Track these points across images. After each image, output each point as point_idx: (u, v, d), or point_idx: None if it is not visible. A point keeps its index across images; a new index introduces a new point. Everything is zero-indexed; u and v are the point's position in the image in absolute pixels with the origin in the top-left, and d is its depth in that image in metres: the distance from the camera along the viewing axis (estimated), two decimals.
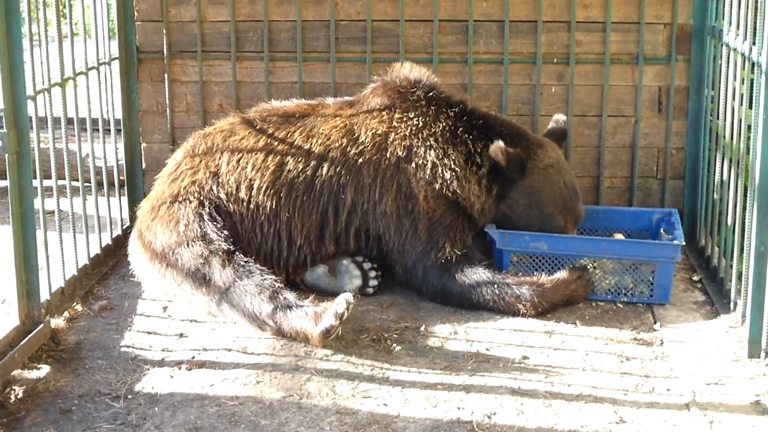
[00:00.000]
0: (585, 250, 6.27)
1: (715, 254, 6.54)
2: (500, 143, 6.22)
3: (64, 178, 6.39)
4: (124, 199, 7.47)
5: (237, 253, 6.02)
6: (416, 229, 6.24)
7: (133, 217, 7.04)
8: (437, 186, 6.24)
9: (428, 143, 6.28)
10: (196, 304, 6.01)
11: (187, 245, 6.04)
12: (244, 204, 6.29)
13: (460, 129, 6.36)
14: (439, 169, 6.25)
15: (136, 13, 7.43)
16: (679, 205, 7.31)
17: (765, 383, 5.13)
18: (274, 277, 5.89)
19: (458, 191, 6.25)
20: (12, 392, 5.05)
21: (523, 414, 4.89)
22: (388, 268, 6.40)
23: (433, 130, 6.32)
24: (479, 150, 6.33)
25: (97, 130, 6.84)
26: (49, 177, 6.23)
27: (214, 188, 6.30)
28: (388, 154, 6.30)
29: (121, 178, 7.52)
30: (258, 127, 6.50)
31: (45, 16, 5.89)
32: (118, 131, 7.31)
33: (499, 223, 6.43)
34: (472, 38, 7.29)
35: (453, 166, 6.26)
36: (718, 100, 6.44)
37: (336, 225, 6.32)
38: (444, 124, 6.35)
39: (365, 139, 6.34)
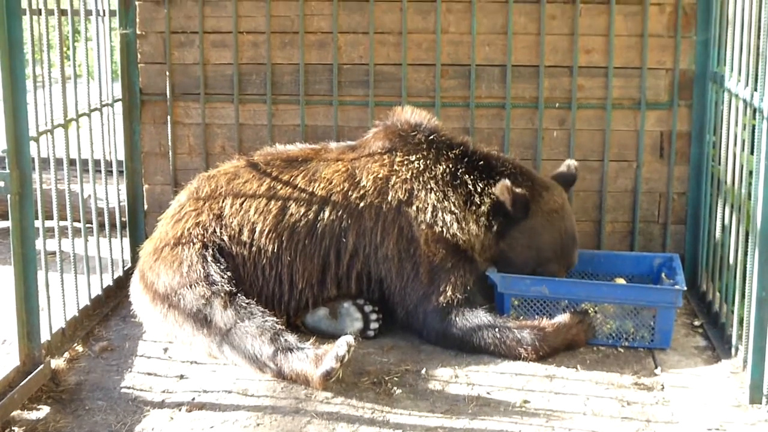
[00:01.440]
0: (586, 295, 6.26)
1: (716, 299, 6.53)
2: (507, 182, 6.21)
3: (66, 219, 6.39)
4: (126, 241, 7.47)
5: (239, 294, 6.02)
6: (417, 272, 6.24)
7: (134, 258, 7.05)
8: (437, 229, 6.24)
9: (429, 186, 6.29)
10: (197, 345, 6.00)
11: (190, 286, 6.04)
12: (247, 247, 6.30)
13: (461, 170, 6.37)
14: (440, 212, 6.25)
15: (139, 56, 7.47)
16: (681, 250, 7.31)
17: (766, 429, 5.12)
18: (275, 319, 5.89)
19: (458, 234, 6.25)
20: None
21: None
22: (389, 311, 6.39)
23: (433, 172, 6.33)
24: (479, 189, 6.32)
25: (100, 171, 6.85)
26: (51, 218, 6.24)
27: (218, 230, 6.31)
28: (389, 198, 6.31)
29: (123, 219, 7.53)
30: (261, 171, 6.51)
31: (49, 57, 5.92)
32: (121, 173, 7.33)
33: (497, 261, 6.43)
34: (475, 82, 7.32)
35: (453, 209, 6.26)
36: (720, 146, 6.45)
37: (338, 268, 6.32)
38: (444, 166, 6.36)
39: (366, 182, 6.35)
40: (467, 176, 6.36)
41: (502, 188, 6.22)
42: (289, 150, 6.72)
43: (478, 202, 6.31)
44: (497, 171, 6.40)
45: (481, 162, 6.43)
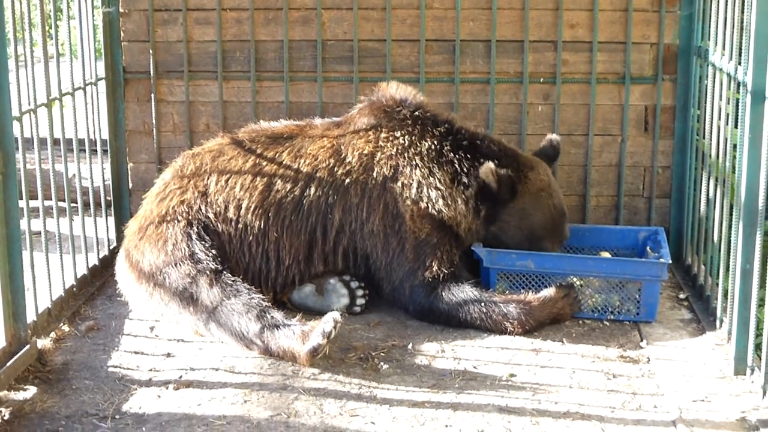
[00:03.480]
0: (571, 269, 6.28)
1: (701, 272, 6.56)
2: (491, 164, 6.22)
3: (51, 199, 6.37)
4: (111, 220, 7.45)
5: (224, 272, 6.01)
6: (403, 248, 6.24)
7: (119, 238, 7.03)
8: (423, 205, 6.24)
9: (414, 162, 6.28)
10: (183, 323, 6.00)
11: (175, 265, 6.03)
12: (233, 224, 6.29)
13: (447, 148, 6.36)
14: (425, 188, 6.25)
15: (122, 34, 7.43)
16: (666, 224, 7.33)
17: (751, 400, 5.14)
18: (261, 296, 5.89)
19: (443, 210, 6.25)
20: None
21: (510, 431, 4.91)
22: (375, 287, 6.40)
23: (418, 149, 6.33)
24: (466, 170, 6.33)
25: (84, 150, 6.83)
26: (35, 198, 6.23)
27: (203, 208, 6.30)
28: (374, 174, 6.31)
29: (108, 198, 7.50)
30: (246, 148, 6.49)
31: (31, 36, 5.89)
32: (105, 151, 7.30)
33: (489, 243, 6.44)
34: (459, 58, 7.31)
35: (438, 185, 6.26)
36: (704, 120, 6.47)
37: (324, 245, 6.32)
38: (430, 143, 6.35)
39: (352, 159, 6.35)
40: (453, 154, 6.35)
41: (486, 171, 6.22)
42: (274, 127, 6.70)
43: (466, 183, 6.31)
44: (482, 152, 6.40)
45: (467, 141, 6.43)
